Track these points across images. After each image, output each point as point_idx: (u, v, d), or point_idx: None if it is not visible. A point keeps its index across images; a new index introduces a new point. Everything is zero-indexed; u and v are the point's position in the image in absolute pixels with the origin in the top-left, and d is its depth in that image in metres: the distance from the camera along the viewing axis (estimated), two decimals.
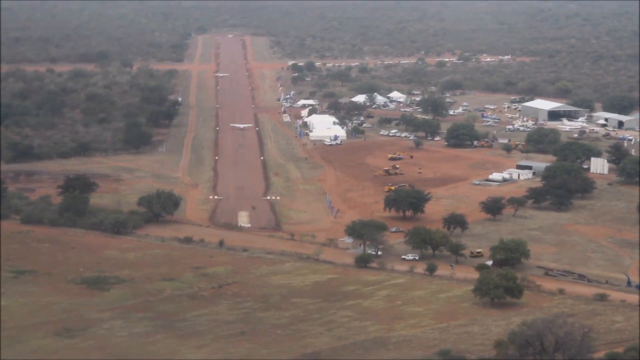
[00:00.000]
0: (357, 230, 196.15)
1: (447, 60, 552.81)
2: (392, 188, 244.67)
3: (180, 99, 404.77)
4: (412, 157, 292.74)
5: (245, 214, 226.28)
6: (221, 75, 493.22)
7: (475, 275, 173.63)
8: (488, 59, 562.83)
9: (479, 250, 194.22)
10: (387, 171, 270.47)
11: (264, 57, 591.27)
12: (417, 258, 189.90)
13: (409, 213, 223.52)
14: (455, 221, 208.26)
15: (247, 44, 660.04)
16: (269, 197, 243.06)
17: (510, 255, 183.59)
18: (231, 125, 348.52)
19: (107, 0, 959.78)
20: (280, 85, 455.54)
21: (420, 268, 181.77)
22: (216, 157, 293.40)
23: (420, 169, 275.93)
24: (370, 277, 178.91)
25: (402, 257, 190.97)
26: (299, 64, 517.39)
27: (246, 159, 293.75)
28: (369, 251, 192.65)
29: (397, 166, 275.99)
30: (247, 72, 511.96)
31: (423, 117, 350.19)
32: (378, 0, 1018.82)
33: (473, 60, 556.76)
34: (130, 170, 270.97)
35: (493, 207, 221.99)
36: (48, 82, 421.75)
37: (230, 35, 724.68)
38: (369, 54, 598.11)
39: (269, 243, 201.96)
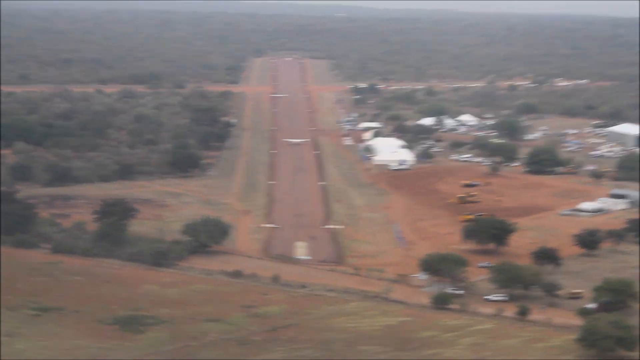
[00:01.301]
0: (433, 265, 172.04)
1: (519, 84, 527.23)
2: (469, 217, 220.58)
3: (233, 121, 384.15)
4: (488, 184, 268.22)
5: (303, 244, 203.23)
6: (280, 95, 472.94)
7: (576, 321, 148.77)
8: (563, 83, 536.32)
9: (577, 290, 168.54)
10: (462, 199, 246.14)
11: (323, 79, 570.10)
12: (504, 299, 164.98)
13: (490, 246, 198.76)
14: (547, 256, 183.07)
15: (305, 66, 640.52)
16: (329, 226, 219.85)
17: (617, 297, 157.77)
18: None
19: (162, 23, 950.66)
20: (341, 108, 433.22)
21: (510, 311, 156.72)
22: (271, 182, 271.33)
23: (499, 197, 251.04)
24: (450, 321, 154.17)
25: (486, 297, 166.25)
26: (361, 86, 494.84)
27: (304, 184, 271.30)
28: (448, 290, 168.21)
29: (473, 194, 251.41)
30: (305, 94, 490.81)
31: (498, 141, 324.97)
32: (440, 26, 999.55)
33: (547, 84, 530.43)
34: (176, 195, 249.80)
35: (588, 241, 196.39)
36: (95, 103, 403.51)
37: (289, 58, 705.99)
38: (434, 77, 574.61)
39: (331, 278, 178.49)
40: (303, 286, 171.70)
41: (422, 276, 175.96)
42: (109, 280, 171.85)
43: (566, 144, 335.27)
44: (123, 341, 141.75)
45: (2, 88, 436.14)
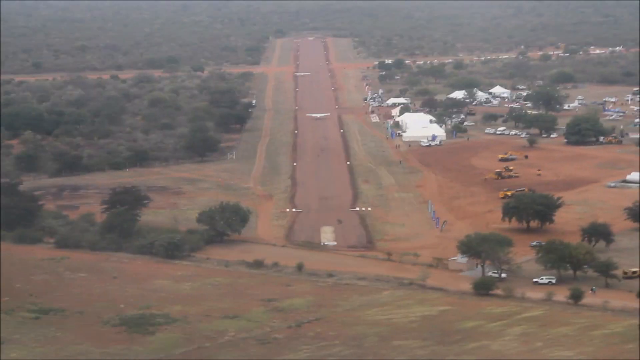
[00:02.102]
0: (474, 247, 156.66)
1: (552, 53, 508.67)
2: (509, 193, 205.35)
3: (254, 102, 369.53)
4: (526, 157, 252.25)
5: (330, 229, 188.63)
6: (302, 74, 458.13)
7: (636, 303, 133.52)
8: (597, 51, 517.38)
9: (634, 269, 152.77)
10: (499, 174, 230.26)
11: (347, 57, 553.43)
12: (553, 281, 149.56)
13: (534, 224, 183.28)
14: (598, 232, 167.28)
15: (328, 45, 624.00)
16: (358, 209, 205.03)
17: None
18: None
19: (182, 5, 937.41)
20: (367, 85, 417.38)
21: (561, 295, 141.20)
22: (294, 164, 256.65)
23: (539, 170, 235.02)
24: (495, 308, 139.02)
25: (534, 280, 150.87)
26: (387, 62, 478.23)
27: (330, 165, 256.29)
28: (490, 273, 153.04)
29: (511, 168, 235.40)
30: (329, 72, 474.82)
31: (534, 112, 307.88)
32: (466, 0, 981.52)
33: (581, 52, 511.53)
34: (193, 181, 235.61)
35: None
36: (109, 89, 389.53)
37: (311, 38, 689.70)
38: (462, 51, 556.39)
39: (361, 265, 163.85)
40: (330, 275, 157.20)
41: (461, 259, 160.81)
42: (116, 276, 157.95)
43: (606, 113, 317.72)
44: (130, 344, 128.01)
45: (15, 78, 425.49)
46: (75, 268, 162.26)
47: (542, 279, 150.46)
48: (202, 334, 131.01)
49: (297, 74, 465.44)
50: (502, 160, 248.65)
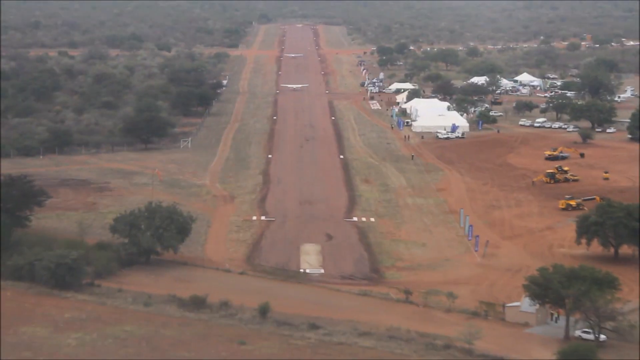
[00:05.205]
0: (553, 288, 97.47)
1: (583, 43, 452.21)
2: (573, 203, 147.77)
3: (225, 82, 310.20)
4: (582, 155, 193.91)
5: (315, 248, 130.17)
6: (286, 56, 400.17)
7: None
8: (631, 43, 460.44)
9: None
10: (551, 176, 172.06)
11: (340, 43, 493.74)
12: None
13: (625, 249, 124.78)
14: None
15: (319, 31, 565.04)
16: (355, 219, 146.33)
17: None
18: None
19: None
20: (364, 69, 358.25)
21: None
22: (269, 156, 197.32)
23: (606, 172, 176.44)
24: None
25: None
26: (387, 46, 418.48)
27: (317, 159, 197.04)
28: (579, 333, 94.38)
29: (566, 168, 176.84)
30: (319, 57, 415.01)
31: (583, 101, 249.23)
32: None
33: (610, 44, 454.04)
34: (128, 174, 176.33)
35: None
36: (52, 65, 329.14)
37: (299, 25, 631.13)
38: (472, 40, 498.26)
39: (362, 310, 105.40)
40: (313, 326, 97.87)
41: (528, 306, 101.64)
42: None
43: None
44: None
45: None
46: None
47: None
48: None
49: (282, 57, 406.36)
50: (550, 158, 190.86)
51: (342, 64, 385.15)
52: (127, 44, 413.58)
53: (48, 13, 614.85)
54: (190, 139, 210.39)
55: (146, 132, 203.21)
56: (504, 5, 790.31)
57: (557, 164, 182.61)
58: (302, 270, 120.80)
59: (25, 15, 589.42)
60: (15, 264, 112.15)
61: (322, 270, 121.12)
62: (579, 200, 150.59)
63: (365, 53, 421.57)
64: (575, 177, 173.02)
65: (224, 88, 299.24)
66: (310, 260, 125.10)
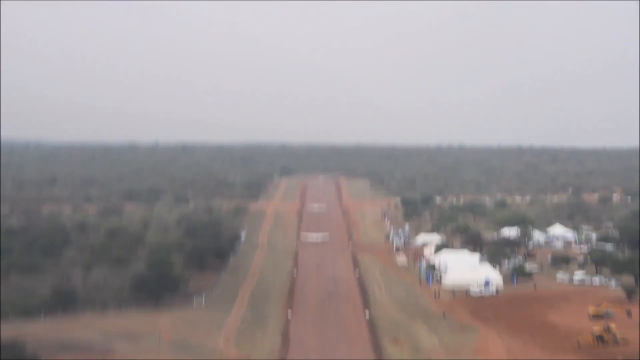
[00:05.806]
0: None
1: (615, 195, 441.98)
2: None
3: (243, 236, 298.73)
4: (630, 313, 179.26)
5: None
6: (308, 210, 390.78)
7: None
8: None
9: None
10: (600, 338, 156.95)
11: (363, 195, 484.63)
12: None
13: None
14: None
15: (341, 183, 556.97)
16: None
17: None
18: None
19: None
20: (388, 222, 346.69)
21: None
22: (289, 314, 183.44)
23: None
24: None
25: None
26: (412, 198, 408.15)
27: (340, 316, 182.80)
28: None
29: (613, 329, 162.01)
30: (341, 209, 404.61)
31: (627, 255, 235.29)
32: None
33: None
34: (134, 336, 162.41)
35: None
36: (63, 219, 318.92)
37: (321, 177, 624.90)
38: (499, 191, 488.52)
39: None
40: None
41: None
42: None
43: None
44: None
45: None
46: None
47: None
48: None
49: (303, 209, 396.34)
50: (595, 317, 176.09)
51: (366, 216, 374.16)
52: (145, 197, 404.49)
53: (67, 170, 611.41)
54: (204, 295, 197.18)
55: (157, 289, 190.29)
56: (528, 159, 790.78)
57: (602, 322, 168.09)
58: None
59: (43, 171, 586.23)
60: None
61: None
62: None
63: (389, 205, 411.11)
64: (625, 337, 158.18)
65: (242, 241, 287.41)
66: None
